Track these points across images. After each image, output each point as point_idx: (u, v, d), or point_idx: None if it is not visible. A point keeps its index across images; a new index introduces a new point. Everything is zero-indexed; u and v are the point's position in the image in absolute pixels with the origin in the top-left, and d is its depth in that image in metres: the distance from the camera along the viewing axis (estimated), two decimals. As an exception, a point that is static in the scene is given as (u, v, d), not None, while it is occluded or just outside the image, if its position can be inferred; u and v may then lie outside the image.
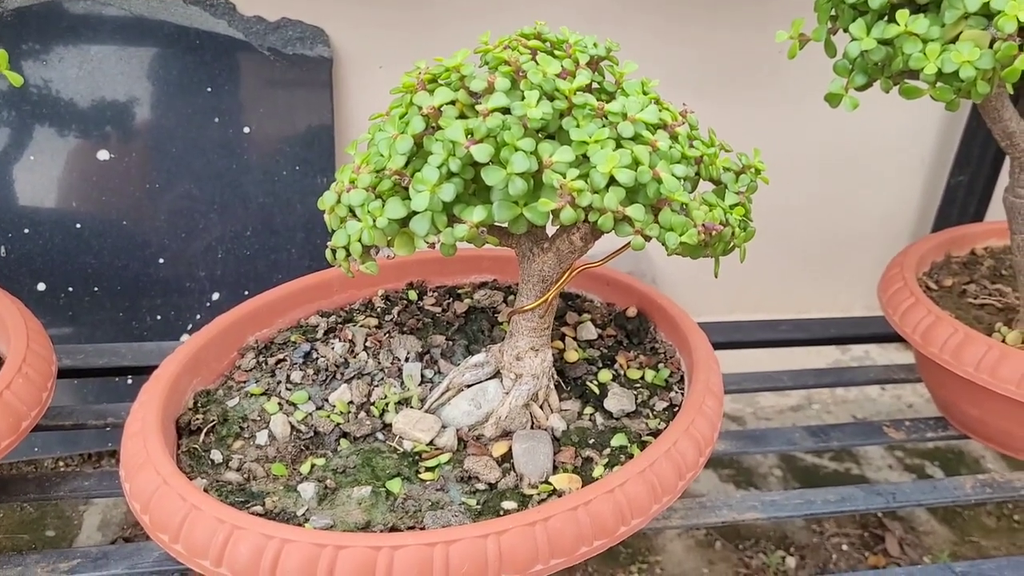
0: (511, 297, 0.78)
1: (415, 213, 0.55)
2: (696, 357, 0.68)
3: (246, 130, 1.16)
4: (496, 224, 0.56)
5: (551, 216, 0.54)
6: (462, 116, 0.57)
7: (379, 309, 0.76)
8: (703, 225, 0.55)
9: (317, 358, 0.69)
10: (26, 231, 1.11)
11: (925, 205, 1.49)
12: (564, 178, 0.52)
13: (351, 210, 0.58)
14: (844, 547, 1.14)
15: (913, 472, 1.29)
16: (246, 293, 1.18)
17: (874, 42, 0.65)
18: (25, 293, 1.12)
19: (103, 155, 1.12)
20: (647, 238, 0.54)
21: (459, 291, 0.79)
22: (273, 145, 1.17)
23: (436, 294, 0.79)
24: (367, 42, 1.20)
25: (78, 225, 1.12)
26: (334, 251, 0.59)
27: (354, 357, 0.69)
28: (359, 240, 0.57)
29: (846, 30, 0.72)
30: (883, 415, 1.40)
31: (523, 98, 0.54)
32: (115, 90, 1.12)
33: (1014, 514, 1.22)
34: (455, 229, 0.54)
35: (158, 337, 1.16)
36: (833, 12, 0.72)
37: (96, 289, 1.14)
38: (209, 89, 1.14)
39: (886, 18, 0.67)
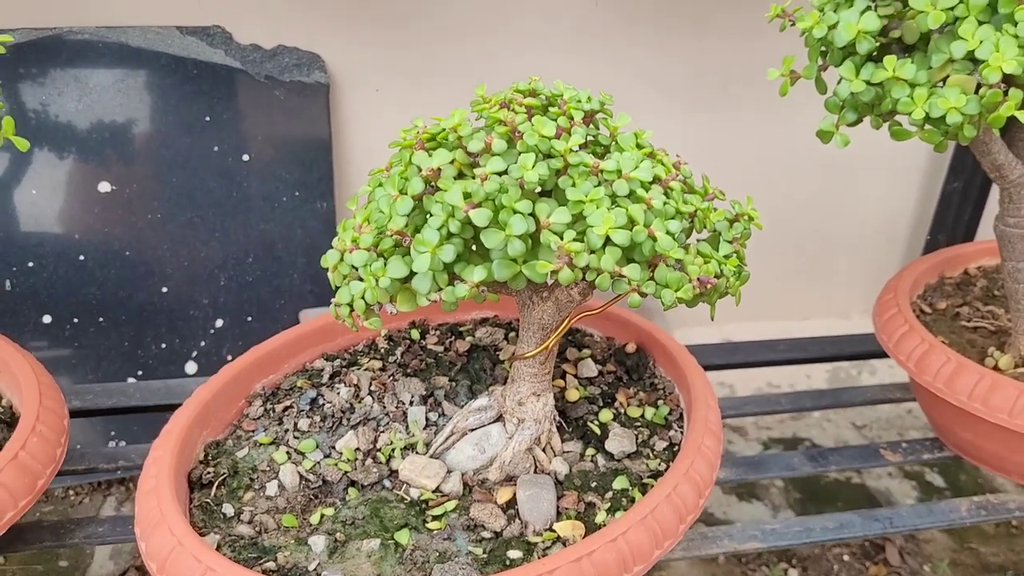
0: (512, 334, 0.79)
1: (416, 273, 0.56)
2: (694, 394, 0.69)
3: (245, 157, 1.17)
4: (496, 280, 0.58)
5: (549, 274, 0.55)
6: (460, 175, 0.58)
7: (383, 350, 0.77)
8: (698, 279, 0.56)
9: (323, 404, 0.71)
10: (30, 264, 1.12)
11: (921, 210, 1.50)
12: (561, 239, 0.54)
13: (354, 269, 0.59)
14: (845, 558, 1.16)
15: (913, 479, 1.31)
16: (249, 319, 1.19)
17: (863, 84, 0.67)
18: (31, 326, 1.13)
19: (104, 187, 1.14)
20: (643, 295, 0.55)
21: (461, 328, 0.80)
22: (272, 171, 1.18)
23: (438, 332, 0.80)
24: (363, 65, 1.21)
25: (82, 257, 1.14)
26: (339, 307, 0.60)
27: (359, 402, 0.71)
28: (362, 298, 0.58)
29: (836, 67, 0.73)
30: (882, 422, 1.42)
31: (519, 158, 0.56)
32: (115, 122, 1.13)
33: (1011, 520, 1.23)
34: (456, 288, 0.56)
35: (163, 365, 1.18)
36: (823, 50, 0.73)
37: (101, 320, 1.15)
38: (208, 118, 1.15)
39: (875, 59, 0.69)
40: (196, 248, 1.17)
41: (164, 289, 1.17)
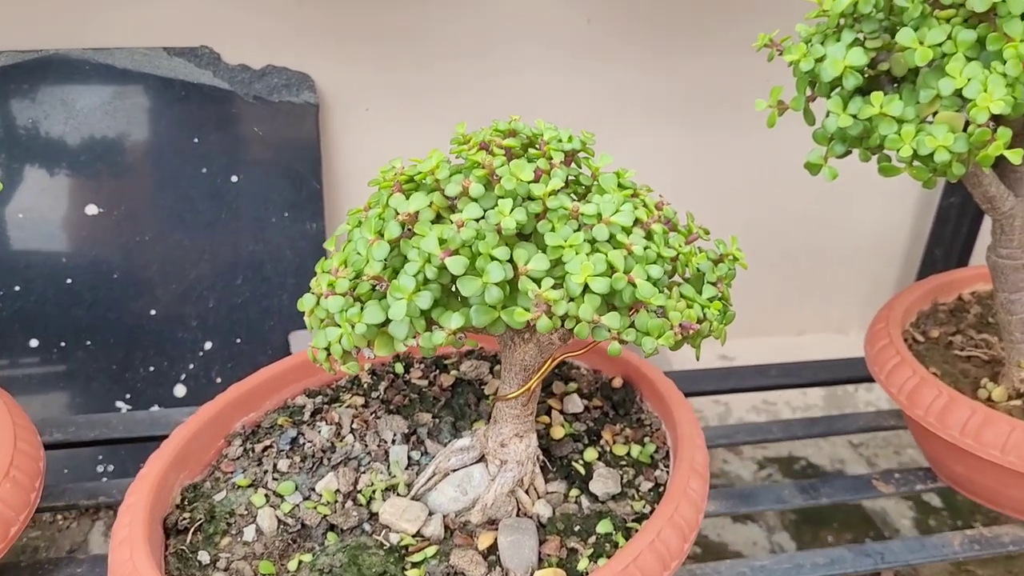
0: (497, 367, 0.78)
1: (393, 319, 0.55)
2: (680, 432, 0.68)
3: (234, 179, 1.16)
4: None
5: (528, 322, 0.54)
6: (438, 218, 0.57)
7: (366, 385, 0.76)
8: (680, 325, 0.55)
9: (304, 443, 0.70)
10: (17, 288, 1.11)
11: (918, 224, 1.49)
12: (539, 287, 0.53)
13: (330, 314, 0.58)
14: (840, 581, 1.15)
15: (910, 500, 1.29)
16: (238, 341, 1.18)
17: (850, 119, 0.65)
18: (18, 349, 1.12)
19: (92, 209, 1.13)
20: (623, 342, 0.54)
21: (445, 362, 0.79)
22: (262, 192, 1.17)
23: (422, 365, 0.79)
24: (352, 85, 1.20)
25: (69, 280, 1.13)
26: (315, 351, 0.59)
27: (341, 441, 0.70)
28: (339, 343, 0.57)
29: (825, 98, 0.72)
30: (880, 441, 1.41)
31: (497, 203, 0.55)
32: (102, 144, 1.12)
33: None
34: (433, 335, 0.55)
35: (152, 388, 1.17)
36: (811, 80, 0.72)
37: (89, 343, 1.14)
38: (196, 140, 1.15)
39: (863, 92, 0.68)
40: (185, 269, 1.16)
41: (152, 311, 1.16)
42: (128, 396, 1.17)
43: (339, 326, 0.57)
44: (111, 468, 1.15)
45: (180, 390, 1.18)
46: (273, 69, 1.16)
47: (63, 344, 1.14)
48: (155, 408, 1.16)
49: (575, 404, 0.74)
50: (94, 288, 1.14)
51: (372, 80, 1.20)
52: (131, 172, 1.13)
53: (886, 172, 0.67)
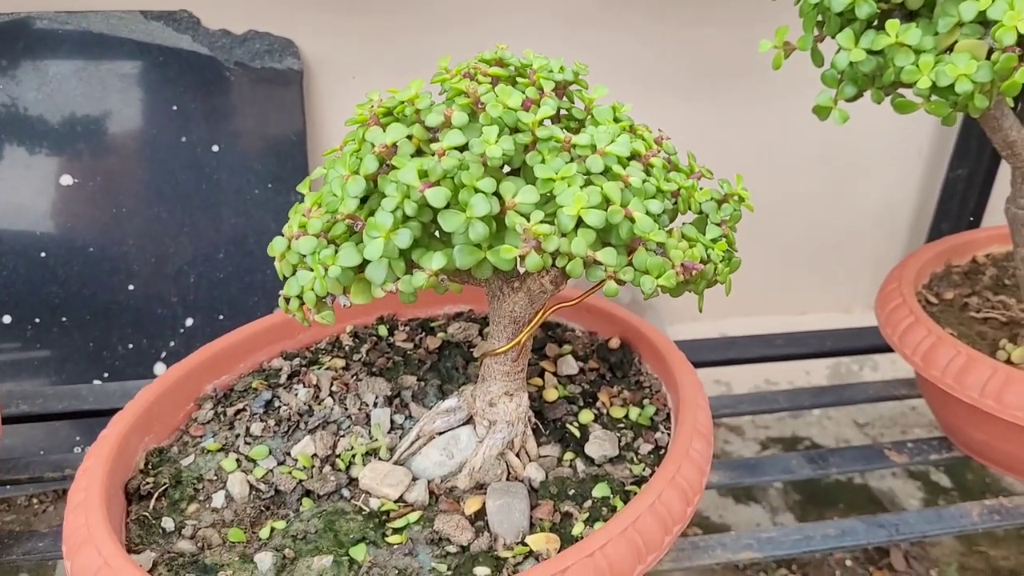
0: (487, 329, 0.74)
1: (370, 260, 0.50)
2: (683, 393, 0.64)
3: (215, 148, 1.11)
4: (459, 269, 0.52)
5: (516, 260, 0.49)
6: (419, 153, 0.52)
7: (347, 348, 0.71)
8: (682, 265, 0.51)
9: (279, 407, 0.65)
10: (-12, 262, 1.06)
11: (924, 199, 1.44)
12: (528, 221, 0.48)
13: (302, 257, 0.53)
14: (848, 563, 1.11)
15: (918, 479, 1.25)
16: (220, 318, 1.14)
17: (863, 53, 0.61)
18: (-10, 326, 1.07)
19: (66, 180, 1.08)
20: (620, 282, 0.50)
21: (432, 324, 0.75)
22: (244, 163, 1.13)
23: (408, 328, 0.74)
24: (338, 52, 1.16)
25: (43, 254, 1.08)
26: (287, 300, 0.55)
27: (319, 404, 0.65)
28: (312, 290, 0.52)
29: (833, 37, 0.67)
30: (885, 420, 1.36)
31: (483, 132, 0.50)
32: (77, 112, 1.08)
33: None
34: (414, 277, 0.50)
35: (131, 366, 1.12)
36: (820, 19, 0.68)
37: (64, 319, 1.10)
38: (175, 107, 1.10)
39: (876, 26, 0.63)
40: (164, 244, 1.11)
41: (130, 287, 1.11)
42: (106, 375, 1.12)
43: (312, 270, 0.52)
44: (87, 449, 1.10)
45: (160, 368, 1.13)
46: (255, 34, 1.12)
47: (37, 321, 1.09)
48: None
49: (570, 366, 0.70)
50: (69, 263, 1.09)
51: (359, 47, 1.15)
52: (107, 141, 1.09)
53: (901, 108, 0.63)
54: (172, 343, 1.13)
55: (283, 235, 0.55)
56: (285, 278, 0.55)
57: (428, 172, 0.49)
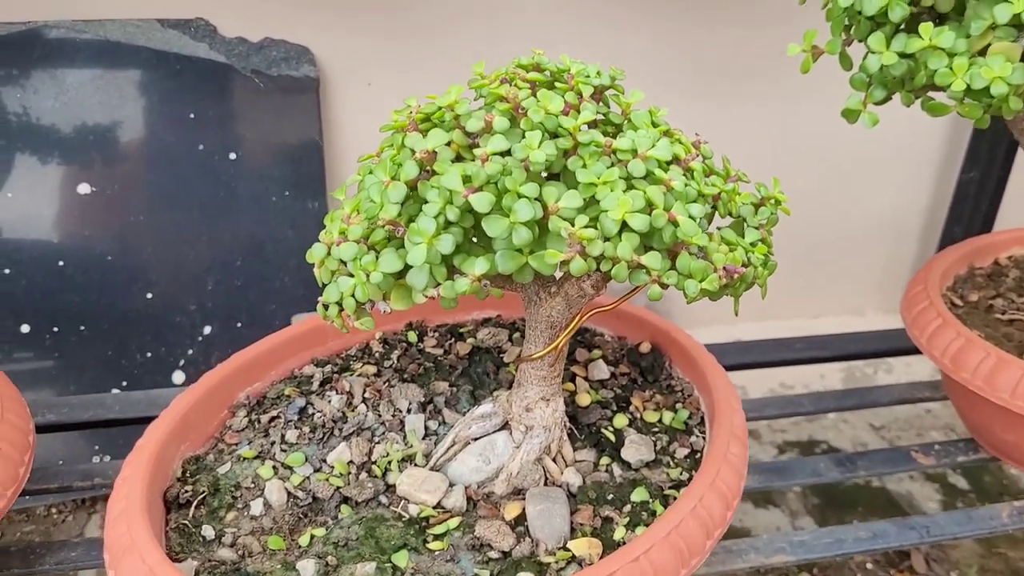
0: (516, 335, 0.74)
1: (411, 266, 0.50)
2: (716, 396, 0.64)
3: (232, 156, 1.11)
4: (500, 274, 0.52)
5: (559, 265, 0.50)
6: (458, 158, 0.52)
7: (377, 354, 0.71)
8: (724, 268, 0.51)
9: (313, 413, 0.65)
10: (7, 271, 1.06)
11: (935, 202, 1.44)
12: (572, 226, 0.48)
13: (342, 263, 0.53)
14: (869, 565, 1.10)
15: (936, 482, 1.25)
16: (239, 325, 1.13)
17: (895, 56, 0.61)
18: (9, 336, 1.07)
19: (84, 188, 1.08)
20: (664, 286, 0.50)
21: (461, 330, 0.75)
22: (261, 170, 1.13)
23: (437, 334, 0.74)
24: (354, 58, 1.16)
25: (61, 263, 1.08)
26: (326, 306, 0.55)
27: (352, 411, 0.65)
28: (352, 296, 0.52)
29: (862, 41, 0.67)
30: (900, 422, 1.36)
31: (523, 138, 0.50)
32: (94, 120, 1.08)
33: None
34: (456, 283, 0.50)
35: (149, 375, 1.12)
36: (847, 22, 0.68)
37: (83, 328, 1.09)
38: (192, 115, 1.10)
39: (905, 29, 0.63)
40: (181, 251, 1.11)
41: (148, 295, 1.11)
42: (124, 384, 1.12)
43: (352, 276, 0.52)
44: (107, 459, 1.10)
45: (179, 376, 1.13)
46: (271, 42, 1.12)
47: (55, 330, 1.09)
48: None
49: (601, 371, 0.70)
50: (87, 271, 1.09)
51: (374, 52, 1.15)
52: (124, 150, 1.09)
53: (933, 111, 0.63)
54: (190, 351, 1.13)
55: (321, 241, 0.55)
56: (324, 285, 0.55)
57: (472, 177, 0.49)
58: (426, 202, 0.50)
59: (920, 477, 1.25)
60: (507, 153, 0.50)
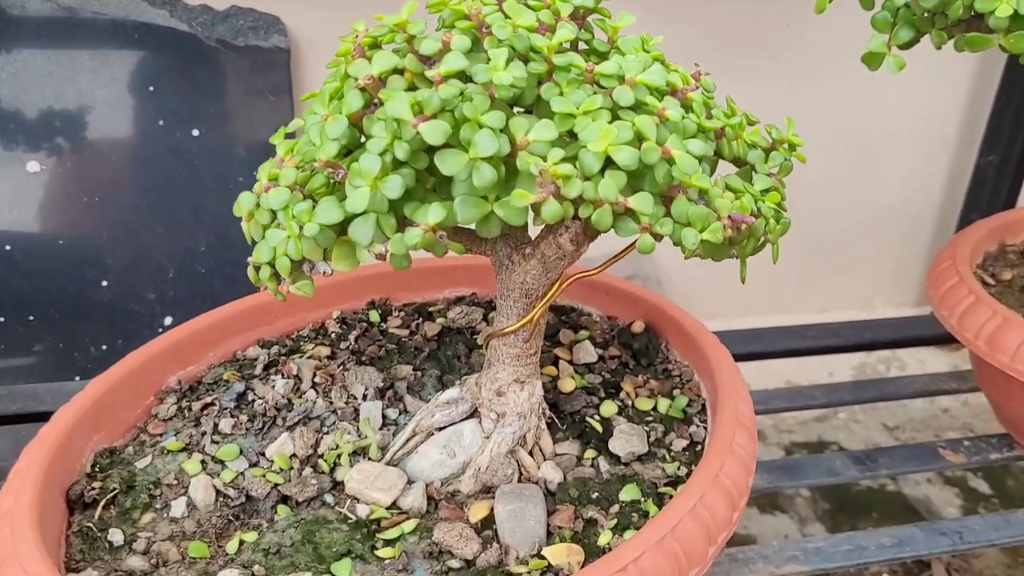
0: (492, 314, 0.65)
1: (355, 216, 0.42)
2: (720, 381, 0.55)
3: (195, 132, 1.03)
4: (461, 226, 0.44)
5: (531, 213, 0.41)
6: (412, 88, 0.44)
7: (333, 335, 0.63)
8: (729, 217, 0.42)
9: (253, 400, 0.56)
10: (-53, 256, 0.98)
11: (951, 188, 1.36)
12: (545, 162, 0.39)
13: (273, 215, 0.45)
14: (885, 575, 1.02)
15: (955, 486, 1.16)
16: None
17: (926, -16, 0.53)
18: (-50, 326, 0.99)
19: (33, 166, 0.99)
20: (657, 237, 0.41)
21: (430, 309, 0.66)
22: (226, 148, 1.04)
23: (402, 314, 0.66)
24: (329, 28, 1.06)
25: (7, 246, 0.99)
26: (257, 268, 0.46)
27: (299, 397, 0.56)
28: (286, 254, 0.44)
29: (884, -24, 0.59)
30: (916, 423, 1.27)
31: (489, 60, 0.42)
32: (44, 94, 0.99)
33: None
34: (406, 235, 0.41)
35: (104, 369, 1.03)
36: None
37: (31, 318, 1.01)
38: (152, 88, 1.01)
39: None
40: (140, 235, 1.03)
41: (103, 282, 1.02)
42: (77, 378, 1.03)
43: (285, 229, 0.44)
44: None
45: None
46: (238, 10, 1.03)
47: (1, 319, 1.00)
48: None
49: (588, 353, 0.61)
50: (36, 256, 1.00)
51: (350, 22, 1.07)
52: (77, 125, 1.00)
53: (973, 45, 0.54)
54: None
55: (251, 192, 0.47)
56: (254, 242, 0.47)
57: (423, 105, 0.40)
58: (371, 138, 0.42)
59: (938, 481, 1.17)
60: (468, 78, 0.41)
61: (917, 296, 1.44)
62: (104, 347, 1.03)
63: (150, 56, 1.01)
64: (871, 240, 1.39)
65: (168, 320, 1.05)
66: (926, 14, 0.56)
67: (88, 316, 1.03)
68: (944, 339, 0.83)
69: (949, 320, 0.68)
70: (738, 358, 0.85)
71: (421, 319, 0.65)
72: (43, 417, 0.70)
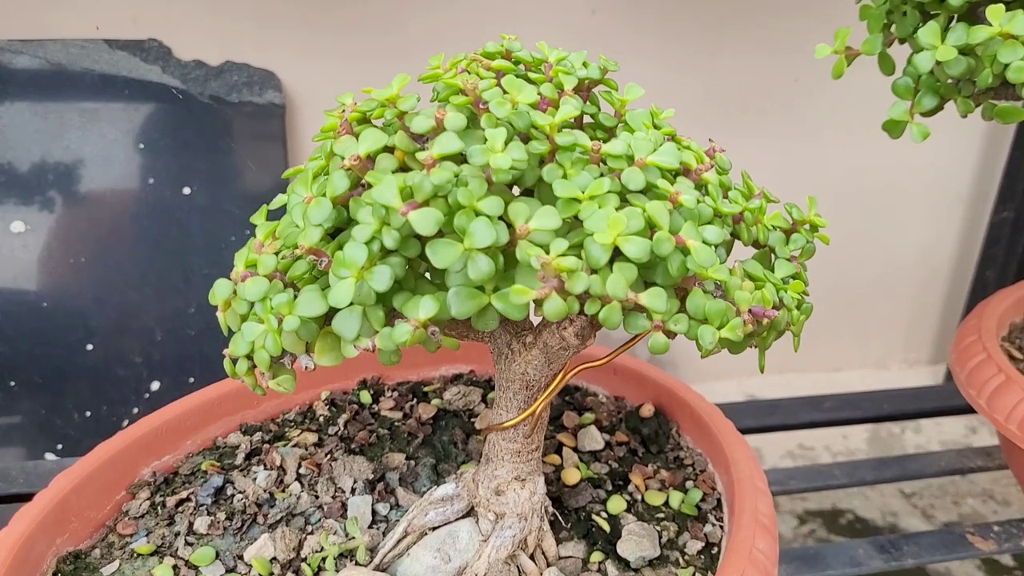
0: (491, 393, 0.61)
1: (337, 308, 0.38)
2: (737, 474, 0.51)
3: (186, 191, 1.00)
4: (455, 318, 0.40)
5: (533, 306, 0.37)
6: (403, 169, 0.40)
7: (321, 419, 0.59)
8: (750, 312, 0.38)
9: (233, 495, 0.52)
10: (-74, 319, 0.94)
11: (964, 245, 1.32)
12: (547, 254, 0.36)
13: (251, 306, 0.41)
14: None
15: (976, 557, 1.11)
16: (191, 380, 1.01)
17: (954, 51, 0.49)
18: (-74, 392, 0.95)
19: (18, 227, 0.96)
20: (671, 335, 0.37)
21: (425, 389, 0.62)
22: (218, 206, 1.01)
23: (396, 394, 0.62)
24: (324, 83, 1.05)
25: (-11, 309, 0.96)
26: (234, 360, 0.43)
27: (283, 491, 0.52)
28: (264, 348, 0.40)
29: (903, 41, 0.56)
30: (934, 488, 1.22)
31: (486, 140, 0.38)
32: (30, 151, 0.96)
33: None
34: (395, 331, 0.37)
35: (88, 436, 0.99)
36: (887, 18, 0.56)
37: (12, 383, 0.97)
38: (142, 145, 0.99)
39: (961, 19, 0.52)
40: (127, 297, 0.99)
41: (88, 346, 0.98)
42: (60, 447, 0.99)
43: (263, 321, 0.40)
44: None
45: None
46: (232, 66, 1.01)
47: (-19, 385, 0.96)
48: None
49: (594, 439, 0.57)
50: (19, 319, 0.97)
51: (346, 78, 1.04)
52: (65, 183, 0.97)
53: (1004, 117, 0.51)
54: (135, 409, 1.00)
55: (229, 279, 0.43)
56: (231, 332, 0.43)
57: (413, 189, 0.36)
58: (356, 223, 0.38)
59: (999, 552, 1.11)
60: (463, 159, 0.38)
61: (931, 354, 1.39)
62: (88, 413, 0.99)
63: (141, 112, 0.99)
64: (885, 297, 1.35)
65: (155, 385, 1.01)
66: (951, 80, 0.53)
67: (72, 381, 0.99)
68: (965, 409, 0.79)
69: (977, 400, 0.63)
70: (754, 430, 0.81)
71: (415, 400, 0.61)
72: (16, 499, 0.66)
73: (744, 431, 0.80)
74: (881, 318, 1.36)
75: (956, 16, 0.52)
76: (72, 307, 0.98)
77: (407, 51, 1.03)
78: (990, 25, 0.47)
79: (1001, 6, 0.47)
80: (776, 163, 1.19)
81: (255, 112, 1.01)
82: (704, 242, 0.37)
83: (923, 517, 1.19)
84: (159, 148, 0.99)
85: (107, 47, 0.98)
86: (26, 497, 0.67)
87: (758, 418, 0.82)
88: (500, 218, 0.37)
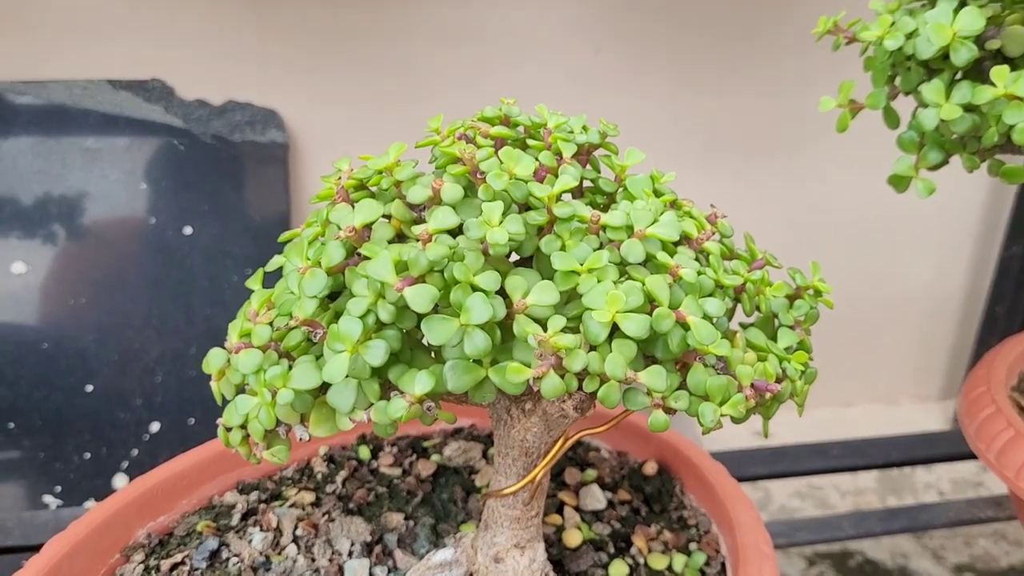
0: (492, 450, 0.60)
1: (331, 382, 0.37)
2: (741, 538, 0.50)
3: (187, 231, 0.99)
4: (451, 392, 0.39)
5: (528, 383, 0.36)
6: (400, 238, 0.40)
7: (319, 476, 0.58)
8: (752, 386, 0.38)
9: (228, 558, 0.51)
10: (-74, 361, 0.94)
11: (975, 279, 1.31)
12: (544, 331, 0.35)
13: (245, 377, 0.40)
14: None
15: (988, 601, 1.09)
16: (191, 422, 1.00)
17: (959, 110, 0.49)
18: (-75, 435, 0.94)
19: (18, 268, 0.96)
20: (671, 411, 0.37)
21: (424, 444, 0.61)
22: (220, 247, 1.00)
23: (395, 449, 0.61)
24: (327, 123, 1.05)
25: (-11, 351, 0.95)
26: (228, 429, 0.42)
27: (279, 553, 0.51)
28: (257, 419, 0.39)
29: (910, 92, 0.55)
30: (945, 533, 1.20)
31: (482, 212, 0.37)
32: (31, 191, 0.96)
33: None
34: (390, 406, 0.37)
35: (88, 479, 0.98)
36: (892, 70, 0.56)
37: (11, 425, 0.96)
38: (143, 186, 0.98)
39: (966, 76, 0.51)
40: (128, 338, 0.99)
41: (88, 388, 0.98)
42: (59, 489, 0.98)
43: (257, 394, 0.39)
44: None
45: (121, 481, 0.99)
46: (235, 105, 1.01)
47: (-19, 427, 0.96)
48: (89, 503, 0.97)
49: (595, 498, 0.56)
50: (18, 360, 0.96)
51: (349, 117, 1.04)
52: (66, 224, 0.97)
53: (1009, 177, 0.50)
54: (135, 452, 0.99)
55: (226, 347, 0.43)
56: (225, 401, 0.42)
57: (409, 264, 0.36)
58: (352, 296, 0.38)
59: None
60: (459, 231, 0.37)
61: (941, 390, 1.38)
62: (87, 455, 0.99)
63: (143, 152, 0.98)
64: (893, 333, 1.34)
65: (155, 427, 1.00)
66: (955, 135, 0.53)
67: (71, 424, 0.98)
68: (974, 455, 0.78)
69: (987, 455, 0.62)
70: (763, 477, 0.80)
71: (415, 456, 0.60)
72: (11, 551, 0.65)
73: (751, 478, 0.79)
74: (890, 353, 1.35)
75: (957, 73, 0.51)
76: (72, 348, 0.97)
77: (411, 92, 1.03)
78: (994, 85, 0.47)
79: (1005, 67, 0.47)
80: (783, 200, 1.19)
81: (257, 151, 1.01)
82: (705, 316, 0.37)
83: (934, 559, 1.18)
84: (161, 188, 0.99)
85: (110, 87, 0.98)
86: (22, 550, 0.67)
87: (766, 465, 0.81)
88: (497, 292, 0.36)
